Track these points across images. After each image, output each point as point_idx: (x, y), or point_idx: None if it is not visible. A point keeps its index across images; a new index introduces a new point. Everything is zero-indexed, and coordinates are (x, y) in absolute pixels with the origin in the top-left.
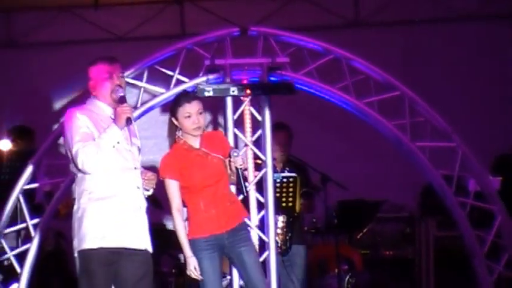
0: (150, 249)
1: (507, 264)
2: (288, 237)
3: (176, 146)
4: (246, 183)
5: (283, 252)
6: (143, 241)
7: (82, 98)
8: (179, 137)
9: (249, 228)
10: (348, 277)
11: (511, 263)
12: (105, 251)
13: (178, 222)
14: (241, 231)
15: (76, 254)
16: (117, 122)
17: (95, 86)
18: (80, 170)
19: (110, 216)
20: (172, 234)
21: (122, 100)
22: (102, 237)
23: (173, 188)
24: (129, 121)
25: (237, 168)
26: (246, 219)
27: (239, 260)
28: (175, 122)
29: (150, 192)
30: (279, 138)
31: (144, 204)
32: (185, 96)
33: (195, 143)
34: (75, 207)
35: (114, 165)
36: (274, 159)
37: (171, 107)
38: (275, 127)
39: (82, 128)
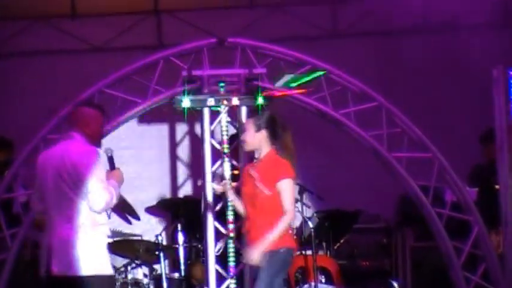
0: None
1: (484, 274)
2: None
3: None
4: None
5: None
6: None
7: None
8: None
9: (270, 256)
10: None
11: (488, 273)
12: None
13: None
14: (264, 257)
15: (85, 278)
16: (119, 184)
17: (93, 129)
18: (90, 203)
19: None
20: None
21: (113, 161)
22: (108, 264)
23: None
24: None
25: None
26: (271, 250)
27: None
28: None
29: None
30: None
31: None
32: None
33: (257, 160)
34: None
35: None
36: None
37: None
38: None
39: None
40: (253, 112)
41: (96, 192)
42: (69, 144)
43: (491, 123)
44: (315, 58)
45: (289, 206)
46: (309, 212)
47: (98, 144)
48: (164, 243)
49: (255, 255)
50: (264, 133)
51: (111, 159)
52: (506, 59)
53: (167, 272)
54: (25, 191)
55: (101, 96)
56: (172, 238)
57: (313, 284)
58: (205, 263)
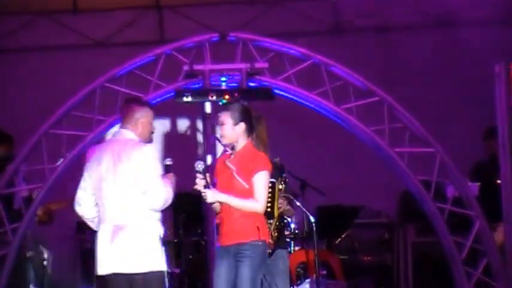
0: None
1: (485, 269)
2: (274, 241)
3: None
4: None
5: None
6: None
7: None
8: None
9: (250, 250)
10: None
11: (489, 268)
12: None
13: None
14: (242, 250)
15: (143, 275)
16: (172, 187)
17: (144, 126)
18: (149, 201)
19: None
20: None
21: (170, 169)
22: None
23: None
24: None
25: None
26: (250, 241)
27: (236, 272)
28: None
29: None
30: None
31: None
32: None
33: (234, 154)
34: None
35: None
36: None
37: None
38: None
39: None
40: (225, 105)
41: (156, 190)
42: (124, 141)
43: (492, 118)
44: (317, 53)
45: (260, 197)
46: (310, 207)
47: (149, 140)
48: (166, 238)
49: (212, 197)
50: (242, 126)
51: (168, 167)
52: (509, 55)
53: (168, 267)
54: (27, 185)
55: (102, 91)
56: (174, 233)
57: (314, 278)
58: (206, 258)
